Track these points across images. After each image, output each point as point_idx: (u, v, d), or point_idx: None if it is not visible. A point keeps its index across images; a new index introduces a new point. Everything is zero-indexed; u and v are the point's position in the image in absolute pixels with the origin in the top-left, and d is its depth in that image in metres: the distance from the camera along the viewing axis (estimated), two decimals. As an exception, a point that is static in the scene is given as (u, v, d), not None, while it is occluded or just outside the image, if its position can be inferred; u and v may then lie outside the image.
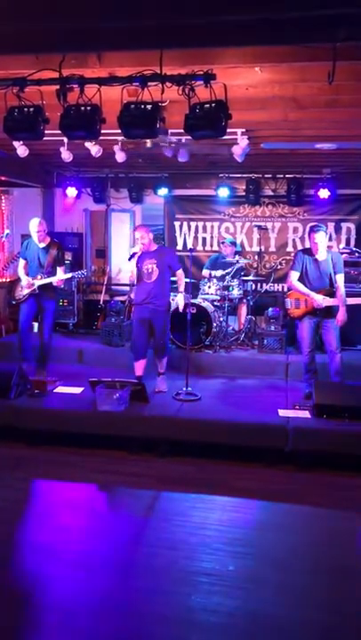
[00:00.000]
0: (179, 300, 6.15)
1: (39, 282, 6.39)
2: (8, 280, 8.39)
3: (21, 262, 6.61)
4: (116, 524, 4.10)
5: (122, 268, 9.29)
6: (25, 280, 6.47)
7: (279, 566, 3.48)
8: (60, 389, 6.08)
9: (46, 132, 4.34)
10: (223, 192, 8.65)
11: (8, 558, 3.53)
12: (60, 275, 6.46)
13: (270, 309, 7.69)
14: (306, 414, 5.34)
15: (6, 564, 3.48)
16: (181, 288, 6.15)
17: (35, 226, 6.42)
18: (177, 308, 6.32)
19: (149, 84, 3.87)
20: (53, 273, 6.43)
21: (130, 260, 6.02)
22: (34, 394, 5.82)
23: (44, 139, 4.45)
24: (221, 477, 4.76)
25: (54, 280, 6.43)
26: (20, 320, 6.61)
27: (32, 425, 5.48)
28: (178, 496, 4.50)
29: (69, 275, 6.61)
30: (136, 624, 2.93)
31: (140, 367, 6.16)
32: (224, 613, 3.02)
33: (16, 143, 5.63)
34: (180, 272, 6.15)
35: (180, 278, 6.15)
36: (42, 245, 6.48)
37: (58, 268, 6.48)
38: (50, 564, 3.45)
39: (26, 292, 6.45)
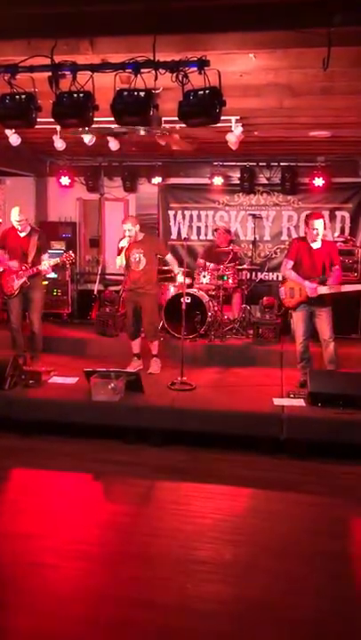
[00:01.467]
0: (179, 278, 6.59)
1: (27, 273, 6.29)
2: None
3: None
4: (110, 512, 4.10)
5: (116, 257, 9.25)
6: (14, 264, 6.32)
7: (274, 554, 3.50)
8: (55, 380, 6.07)
9: (38, 119, 4.29)
10: (217, 180, 8.60)
11: (2, 547, 3.54)
12: (47, 262, 6.36)
13: (264, 298, 7.68)
14: (301, 403, 5.35)
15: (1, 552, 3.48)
16: (175, 268, 6.58)
17: (16, 215, 6.30)
18: (173, 295, 6.66)
19: (143, 70, 3.83)
20: (38, 262, 6.34)
21: (119, 254, 6.25)
22: (28, 384, 5.80)
23: (37, 127, 4.40)
24: (216, 466, 4.77)
25: (43, 268, 6.34)
26: (10, 314, 6.52)
27: (26, 415, 5.47)
28: (173, 485, 4.51)
29: (57, 260, 6.51)
30: (131, 612, 2.94)
31: (135, 346, 6.57)
32: (219, 601, 3.03)
33: (8, 131, 5.57)
34: (169, 256, 6.58)
35: (171, 261, 6.56)
36: (23, 234, 6.38)
37: (43, 256, 6.40)
38: (44, 552, 3.46)
39: (17, 285, 6.34)
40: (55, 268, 6.79)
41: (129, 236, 6.12)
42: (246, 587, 3.18)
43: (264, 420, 5.12)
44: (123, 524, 3.87)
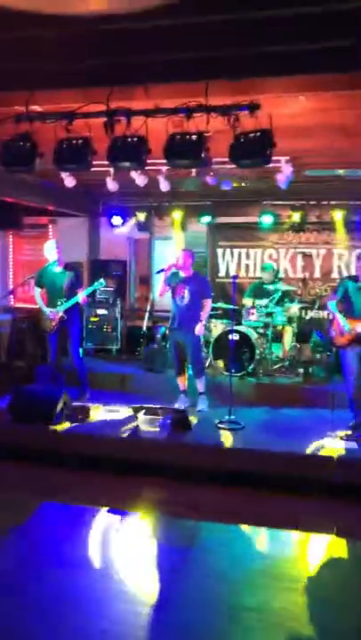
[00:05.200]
0: (196, 328, 6.29)
1: (63, 306, 6.35)
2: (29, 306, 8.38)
3: (38, 291, 6.61)
4: (155, 553, 4.03)
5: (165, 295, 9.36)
6: (48, 310, 6.44)
7: (327, 604, 3.34)
8: (103, 415, 6.11)
9: (93, 162, 4.46)
10: (267, 219, 8.65)
11: (52, 584, 3.52)
12: (81, 294, 6.41)
13: (315, 334, 7.56)
14: (354, 445, 5.18)
15: (48, 590, 3.46)
16: (203, 318, 6.38)
17: (52, 248, 6.45)
18: (221, 332, 6.74)
19: (194, 114, 3.94)
20: (73, 297, 6.42)
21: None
22: (77, 419, 5.86)
23: (91, 169, 4.57)
24: (264, 508, 4.63)
25: (79, 299, 6.39)
26: (50, 351, 6.60)
27: (74, 450, 5.50)
28: (219, 527, 4.41)
29: (90, 289, 6.61)
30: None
31: (181, 382, 6.56)
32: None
33: (64, 174, 5.79)
34: (208, 301, 6.43)
35: (206, 307, 6.42)
36: (59, 270, 6.50)
37: (78, 290, 6.45)
38: (92, 592, 3.41)
39: (54, 322, 6.43)
40: (90, 296, 6.80)
41: (174, 262, 6.31)
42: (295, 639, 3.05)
43: (316, 463, 4.98)
44: (167, 566, 3.79)
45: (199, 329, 6.30)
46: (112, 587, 3.49)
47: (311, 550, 4.12)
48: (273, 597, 3.40)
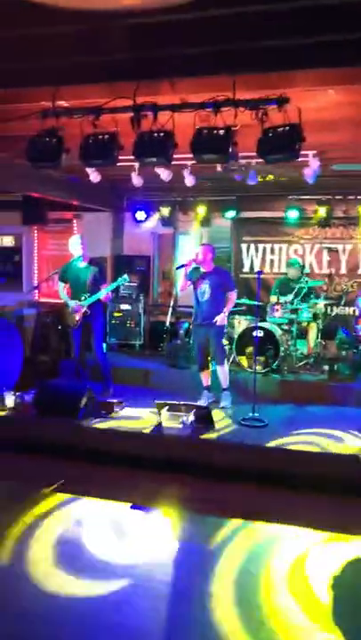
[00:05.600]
0: (218, 317, 6.23)
1: (87, 301, 6.37)
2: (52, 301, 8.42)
3: (62, 286, 6.65)
4: (181, 551, 4.01)
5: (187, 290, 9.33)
6: (72, 303, 6.48)
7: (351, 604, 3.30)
8: (126, 411, 6.12)
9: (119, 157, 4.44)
10: (292, 214, 8.55)
11: (76, 578, 3.54)
12: (105, 289, 6.43)
13: (341, 331, 7.46)
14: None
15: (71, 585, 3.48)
16: (226, 309, 6.31)
17: (77, 243, 6.47)
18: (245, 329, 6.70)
19: (221, 109, 3.89)
20: (96, 291, 6.43)
21: (177, 269, 6.36)
22: (101, 415, 5.88)
23: (117, 164, 4.55)
24: (289, 506, 4.58)
25: (102, 295, 6.42)
26: (73, 346, 6.63)
27: (98, 445, 5.52)
28: (243, 524, 4.37)
29: (113, 285, 6.61)
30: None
31: (205, 378, 6.55)
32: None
33: (89, 169, 5.78)
34: (232, 293, 6.42)
35: (231, 300, 6.39)
36: (83, 265, 6.52)
37: (101, 286, 6.46)
38: (117, 588, 3.42)
39: (78, 316, 6.48)
40: (114, 291, 6.81)
41: (193, 257, 6.27)
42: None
43: (341, 462, 4.92)
44: (195, 564, 3.78)
45: (221, 318, 6.25)
46: (133, 583, 3.49)
47: (335, 550, 4.07)
48: (296, 596, 3.37)
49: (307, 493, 4.77)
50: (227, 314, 6.39)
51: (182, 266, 6.38)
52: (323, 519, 4.38)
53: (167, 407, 5.54)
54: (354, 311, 8.15)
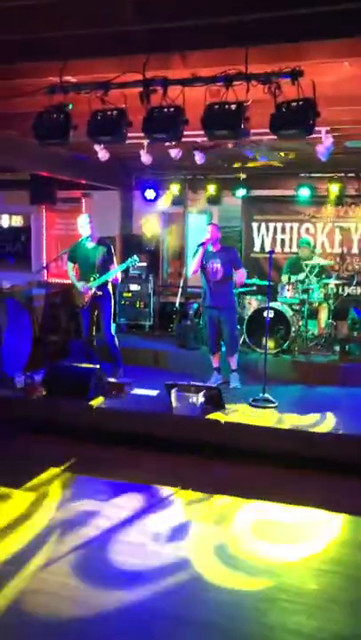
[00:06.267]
0: (238, 274, 6.40)
1: (95, 282, 6.29)
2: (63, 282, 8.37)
3: (70, 266, 6.56)
4: (189, 531, 4.01)
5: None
6: (80, 285, 6.41)
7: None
8: (136, 391, 6.10)
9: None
10: (304, 192, 8.40)
11: (93, 564, 3.56)
12: (114, 270, 6.36)
13: (353, 311, 7.37)
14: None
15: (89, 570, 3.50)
16: (239, 281, 6.51)
17: (86, 223, 6.38)
18: (255, 309, 6.76)
19: (233, 83, 3.78)
20: (106, 271, 6.34)
21: (199, 246, 6.28)
22: (111, 395, 5.87)
23: (125, 141, 4.45)
24: (300, 488, 4.58)
25: (111, 276, 6.34)
26: (82, 326, 6.58)
27: (107, 426, 5.53)
28: (254, 506, 4.37)
29: (123, 266, 6.52)
30: (213, 637, 2.87)
31: (215, 359, 6.55)
32: (303, 634, 2.88)
33: (97, 147, 5.68)
34: (241, 270, 6.45)
35: (241, 276, 6.44)
36: (92, 246, 6.42)
37: (110, 266, 6.38)
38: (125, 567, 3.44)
39: (87, 297, 6.40)
40: (124, 272, 6.75)
41: (206, 237, 6.24)
42: (333, 621, 3.01)
43: (352, 444, 4.88)
44: (202, 544, 3.78)
45: (241, 273, 6.39)
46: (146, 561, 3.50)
47: (350, 533, 4.05)
48: (310, 580, 3.37)
49: (320, 474, 4.75)
50: (243, 280, 6.52)
51: (202, 244, 6.28)
52: (337, 501, 4.38)
53: (177, 388, 5.52)
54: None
